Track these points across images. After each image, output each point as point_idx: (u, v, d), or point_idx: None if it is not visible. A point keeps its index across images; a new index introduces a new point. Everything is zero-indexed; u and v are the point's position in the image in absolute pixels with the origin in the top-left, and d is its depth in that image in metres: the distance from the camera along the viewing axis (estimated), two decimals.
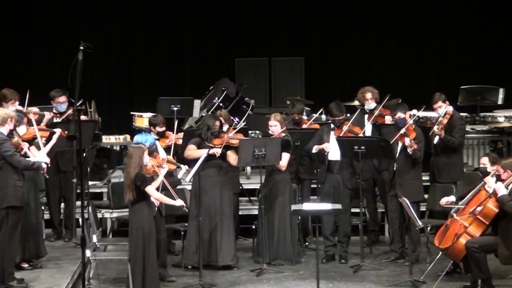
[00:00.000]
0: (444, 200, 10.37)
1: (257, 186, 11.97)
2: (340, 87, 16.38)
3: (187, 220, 11.13)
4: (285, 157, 11.16)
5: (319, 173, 11.76)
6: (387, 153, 11.01)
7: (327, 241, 11.48)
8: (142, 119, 13.16)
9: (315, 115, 13.23)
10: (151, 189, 9.71)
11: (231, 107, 13.69)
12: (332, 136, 11.32)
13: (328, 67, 16.95)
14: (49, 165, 10.29)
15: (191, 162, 10.83)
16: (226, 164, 11.13)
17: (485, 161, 10.18)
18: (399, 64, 16.80)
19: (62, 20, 16.35)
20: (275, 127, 11.33)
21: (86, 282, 9.51)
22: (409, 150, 10.93)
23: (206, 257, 10.89)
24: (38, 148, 10.14)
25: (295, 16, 16.77)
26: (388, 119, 11.83)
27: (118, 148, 13.94)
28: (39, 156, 9.95)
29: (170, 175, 10.50)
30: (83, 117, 11.76)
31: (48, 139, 10.57)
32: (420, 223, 10.34)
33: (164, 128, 11.45)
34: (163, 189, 9.88)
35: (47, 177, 11.48)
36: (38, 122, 11.01)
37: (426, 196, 11.61)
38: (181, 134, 11.85)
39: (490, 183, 9.93)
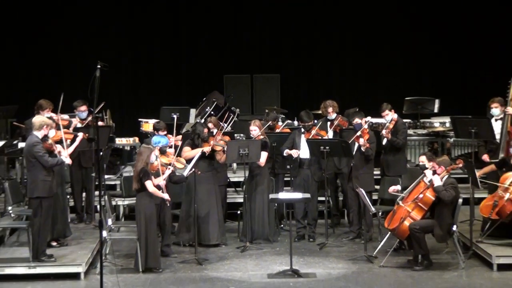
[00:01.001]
0: (391, 189, 10.36)
1: (242, 179, 11.99)
2: (309, 98, 16.32)
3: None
4: (264, 155, 11.09)
5: (292, 168, 11.72)
6: (347, 152, 11.00)
7: (298, 224, 11.46)
8: (148, 125, 13.10)
9: (288, 121, 13.22)
10: (148, 184, 9.71)
11: (220, 115, 13.59)
12: (303, 138, 11.30)
13: (299, 82, 16.86)
14: (71, 164, 10.30)
15: (187, 161, 10.87)
16: (215, 161, 11.14)
17: (423, 159, 10.16)
18: (355, 79, 16.69)
19: (83, 44, 16.40)
20: (255, 131, 11.28)
21: (103, 257, 9.50)
22: (363, 149, 10.94)
23: (200, 236, 10.83)
24: (63, 147, 10.06)
25: (274, 41, 16.78)
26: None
27: (128, 148, 13.77)
28: (64, 156, 9.89)
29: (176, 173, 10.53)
30: (100, 123, 11.95)
31: (72, 141, 10.56)
32: (373, 209, 10.40)
33: (165, 132, 11.39)
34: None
35: (72, 172, 11.59)
36: (67, 127, 10.96)
37: (377, 187, 11.60)
38: (179, 137, 11.78)
39: (428, 175, 9.96)
